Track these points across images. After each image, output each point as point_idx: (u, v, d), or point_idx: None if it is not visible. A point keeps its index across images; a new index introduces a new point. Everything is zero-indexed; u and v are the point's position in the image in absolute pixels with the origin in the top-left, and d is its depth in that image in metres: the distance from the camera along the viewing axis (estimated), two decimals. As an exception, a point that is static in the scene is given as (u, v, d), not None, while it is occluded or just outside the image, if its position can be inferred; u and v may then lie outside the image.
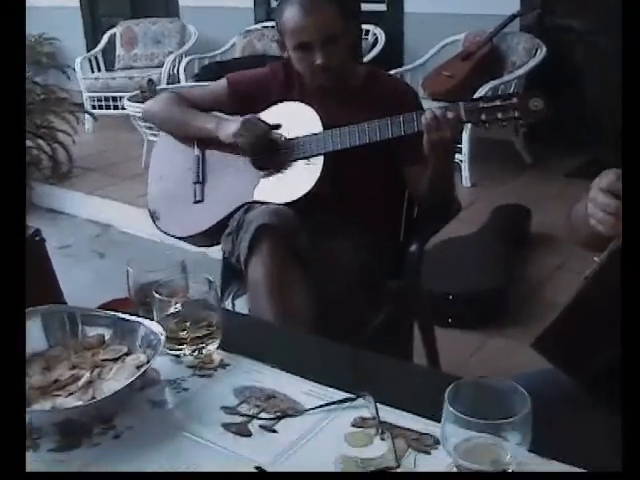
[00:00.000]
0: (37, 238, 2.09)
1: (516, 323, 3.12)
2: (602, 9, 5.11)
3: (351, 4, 3.96)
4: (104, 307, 3.00)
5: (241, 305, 2.21)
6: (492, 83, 4.76)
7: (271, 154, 2.21)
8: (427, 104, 4.79)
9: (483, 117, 2.01)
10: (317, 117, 2.19)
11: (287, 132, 2.23)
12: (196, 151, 2.35)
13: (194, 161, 2.34)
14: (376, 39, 5.97)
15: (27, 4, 7.80)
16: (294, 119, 2.23)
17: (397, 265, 2.25)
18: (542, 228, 4.02)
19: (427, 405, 1.08)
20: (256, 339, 1.42)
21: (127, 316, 1.32)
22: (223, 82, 2.38)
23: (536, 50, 5.09)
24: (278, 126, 2.23)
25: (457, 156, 4.76)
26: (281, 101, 2.27)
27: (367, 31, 5.96)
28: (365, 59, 5.59)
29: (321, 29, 2.15)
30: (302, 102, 2.23)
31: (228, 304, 2.27)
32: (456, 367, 2.81)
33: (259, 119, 2.22)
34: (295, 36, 2.16)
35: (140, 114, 5.04)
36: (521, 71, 4.98)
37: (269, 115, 2.26)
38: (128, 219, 4.41)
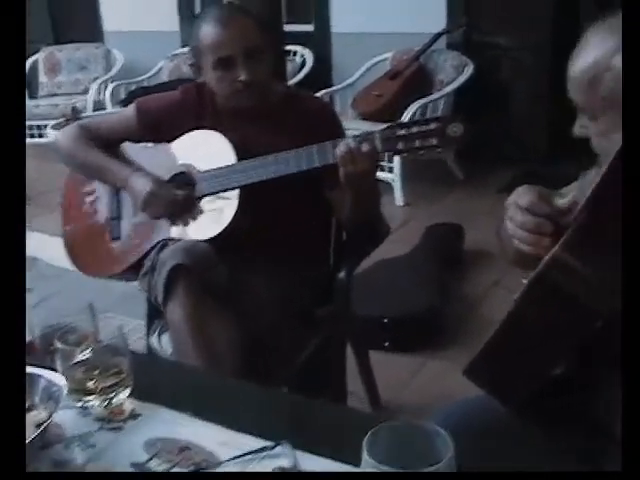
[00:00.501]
0: None
1: (453, 343, 3.08)
2: (526, 26, 5.18)
3: (270, 17, 3.93)
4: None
5: (167, 340, 2.12)
6: (421, 101, 4.77)
7: (182, 200, 2.11)
8: (357, 124, 4.85)
9: (400, 146, 1.89)
10: (230, 147, 2.08)
11: (199, 164, 2.13)
12: (111, 188, 2.25)
13: (108, 196, 2.24)
14: (304, 60, 5.95)
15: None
16: (207, 149, 2.12)
17: (326, 291, 2.18)
18: (476, 245, 4.01)
19: (350, 451, 1.01)
20: (172, 384, 1.34)
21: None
22: (132, 109, 2.24)
23: (463, 67, 5.13)
24: (184, 170, 2.14)
25: (388, 175, 4.75)
26: (196, 127, 2.16)
27: (295, 52, 5.95)
28: (294, 80, 5.58)
29: (242, 41, 2.05)
30: (215, 129, 2.12)
31: (154, 340, 2.18)
32: (395, 392, 2.77)
33: (163, 187, 2.11)
34: (215, 51, 2.05)
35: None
36: (449, 88, 5.01)
37: (180, 145, 2.17)
38: (55, 251, 4.26)
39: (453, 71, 5.14)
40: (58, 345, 1.17)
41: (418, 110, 4.70)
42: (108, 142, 2.24)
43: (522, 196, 1.29)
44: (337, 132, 2.15)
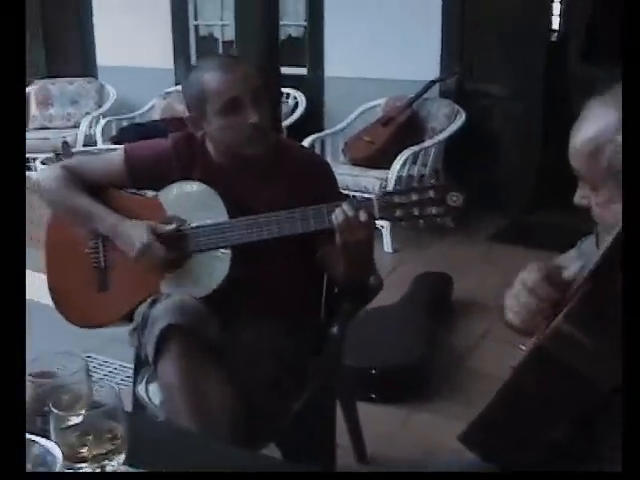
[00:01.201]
0: None
1: (441, 396, 3.06)
2: (518, 75, 5.25)
3: (268, 59, 3.94)
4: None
5: (155, 390, 2.09)
6: (412, 149, 4.79)
7: (172, 248, 2.06)
8: (348, 169, 4.87)
9: (398, 213, 1.87)
10: (222, 202, 2.03)
11: (189, 217, 2.08)
12: (97, 235, 2.16)
13: (94, 245, 2.16)
14: (297, 102, 5.98)
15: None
16: (196, 202, 2.07)
17: (318, 344, 2.16)
18: (465, 295, 4.01)
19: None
20: (166, 448, 1.31)
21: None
22: (120, 155, 2.16)
23: (455, 115, 5.18)
24: (174, 224, 2.07)
25: (377, 222, 4.72)
26: (184, 178, 2.10)
27: (288, 94, 5.98)
28: (286, 122, 5.61)
29: (248, 83, 2.00)
30: (205, 181, 2.07)
31: (142, 389, 2.15)
32: (381, 444, 2.74)
33: (156, 238, 2.03)
34: (221, 95, 1.98)
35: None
36: (441, 137, 5.05)
37: (170, 196, 2.11)
38: (39, 288, 4.22)
39: (445, 119, 5.19)
40: (52, 410, 1.13)
41: (410, 157, 4.72)
42: (93, 186, 2.16)
43: (529, 275, 1.33)
44: (333, 191, 2.14)
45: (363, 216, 1.84)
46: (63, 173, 2.17)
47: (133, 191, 2.22)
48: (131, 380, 2.33)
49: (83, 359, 1.27)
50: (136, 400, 2.19)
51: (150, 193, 2.23)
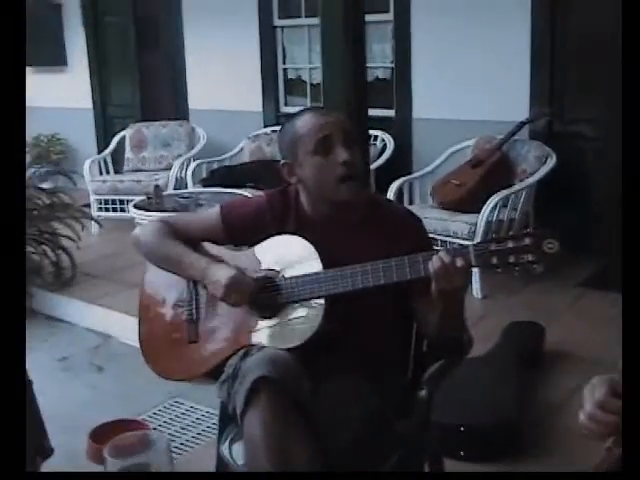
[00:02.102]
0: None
1: (532, 455, 2.95)
2: (610, 114, 5.09)
3: (355, 104, 3.93)
4: (96, 432, 2.91)
5: (238, 450, 2.07)
6: (503, 193, 4.69)
7: (266, 299, 2.08)
8: (436, 213, 4.81)
9: (494, 261, 1.86)
10: (316, 254, 2.06)
11: (284, 269, 2.10)
12: (190, 286, 2.21)
13: (187, 296, 2.21)
14: (384, 145, 5.97)
15: (40, 105, 8.09)
16: (291, 255, 2.10)
17: (405, 406, 2.11)
18: (555, 345, 3.88)
19: None
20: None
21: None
22: (216, 213, 2.25)
23: (546, 158, 5.05)
24: (269, 275, 2.11)
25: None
26: (278, 233, 2.15)
27: (375, 137, 5.98)
28: (374, 165, 5.59)
29: (340, 124, 2.09)
30: (300, 234, 2.11)
31: (225, 449, 2.13)
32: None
33: (246, 277, 2.08)
34: (313, 135, 2.05)
35: (145, 221, 5.01)
36: (532, 180, 4.93)
37: (264, 250, 2.16)
38: (129, 330, 4.28)
39: (536, 161, 5.06)
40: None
41: (499, 202, 4.63)
42: (189, 240, 2.23)
43: (595, 389, 1.34)
44: (426, 244, 2.13)
45: (460, 262, 1.85)
46: (161, 225, 2.27)
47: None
48: (216, 428, 2.33)
49: (166, 439, 1.25)
50: (220, 459, 2.18)
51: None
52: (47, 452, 1.95)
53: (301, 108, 2.31)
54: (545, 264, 1.86)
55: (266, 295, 2.08)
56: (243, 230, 2.20)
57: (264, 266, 2.14)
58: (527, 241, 1.85)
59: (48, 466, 2.08)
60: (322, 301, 2.03)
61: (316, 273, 2.04)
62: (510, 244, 1.86)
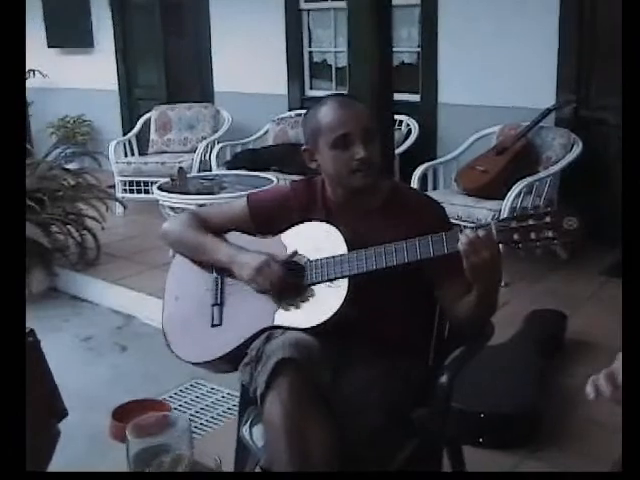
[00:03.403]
0: (31, 339, 1.99)
1: (552, 444, 2.94)
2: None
3: (380, 89, 3.92)
4: (119, 411, 2.95)
5: (259, 432, 2.08)
6: (527, 180, 4.66)
7: (291, 282, 2.11)
8: (460, 200, 4.79)
9: (516, 237, 1.89)
10: (341, 237, 2.09)
11: (309, 254, 2.13)
12: (215, 272, 2.25)
13: (212, 282, 2.24)
14: (409, 130, 5.94)
15: (67, 86, 8.14)
16: (317, 240, 2.14)
17: (425, 393, 2.12)
18: (577, 334, 3.86)
19: None
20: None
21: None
22: (243, 203, 2.30)
23: (572, 145, 5.01)
24: (294, 258, 2.15)
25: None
26: (304, 221, 2.19)
27: (400, 121, 5.95)
28: (399, 149, 5.57)
29: (360, 122, 2.11)
30: (325, 221, 2.15)
31: (245, 431, 2.14)
32: (488, 492, 2.65)
33: (274, 261, 2.12)
34: (333, 130, 2.10)
35: (168, 203, 5.04)
36: (557, 167, 4.89)
37: (290, 236, 2.19)
38: (151, 310, 4.32)
39: (561, 149, 5.02)
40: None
41: (524, 189, 4.60)
42: (217, 230, 2.29)
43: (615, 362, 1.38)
44: (448, 229, 2.12)
45: (482, 233, 1.88)
46: (190, 216, 2.35)
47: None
48: (236, 410, 2.35)
49: (187, 420, 1.26)
50: (239, 441, 2.20)
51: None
52: (61, 413, 1.96)
53: (326, 93, 2.32)
54: (566, 241, 1.89)
55: (291, 277, 2.11)
56: (269, 219, 2.25)
57: (290, 251, 2.17)
58: (548, 219, 1.88)
59: (70, 442, 2.09)
60: (345, 284, 2.05)
61: (341, 255, 2.07)
62: (531, 221, 1.88)
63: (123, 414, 2.88)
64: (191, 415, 3.35)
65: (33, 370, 1.68)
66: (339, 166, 2.12)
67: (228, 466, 2.17)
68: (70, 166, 5.92)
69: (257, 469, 2.07)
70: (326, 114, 2.13)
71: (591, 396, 1.39)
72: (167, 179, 5.38)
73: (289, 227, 2.20)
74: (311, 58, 6.91)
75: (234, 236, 2.28)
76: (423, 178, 5.17)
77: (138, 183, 6.63)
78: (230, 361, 2.10)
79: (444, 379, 2.06)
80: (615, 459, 1.42)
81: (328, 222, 2.14)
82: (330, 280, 2.07)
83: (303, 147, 2.23)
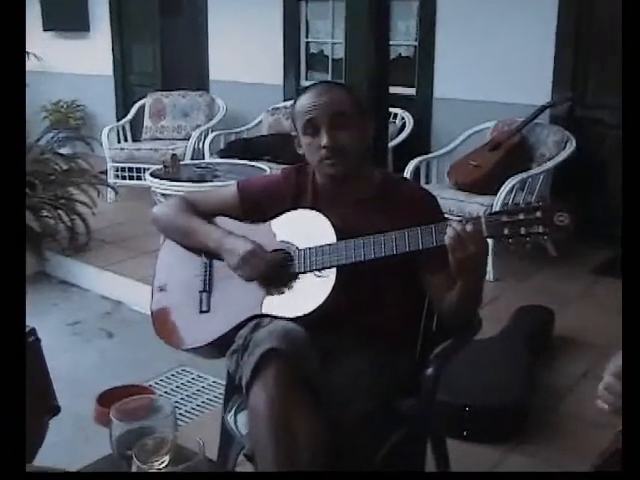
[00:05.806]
0: (32, 338, 2.00)
1: (535, 439, 2.95)
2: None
3: (376, 82, 3.90)
4: (103, 396, 2.94)
5: (243, 420, 2.08)
6: (520, 176, 4.67)
7: (279, 270, 2.10)
8: (452, 194, 4.79)
9: (505, 231, 1.87)
10: (330, 226, 2.08)
11: (298, 242, 2.12)
12: (204, 258, 2.24)
13: (201, 268, 2.23)
14: (404, 123, 5.94)
15: (63, 71, 8.10)
16: (306, 228, 2.13)
17: (412, 384, 2.12)
18: (565, 330, 3.88)
19: None
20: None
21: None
22: (233, 189, 2.30)
23: (565, 143, 5.01)
24: (283, 246, 2.14)
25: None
26: (294, 208, 2.18)
27: (395, 115, 5.94)
28: (393, 142, 5.56)
29: (329, 107, 2.11)
30: (315, 209, 2.14)
31: (230, 417, 2.15)
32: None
33: (262, 249, 2.12)
34: (302, 116, 2.13)
35: (160, 190, 5.02)
36: (550, 164, 4.89)
37: (280, 223, 2.18)
38: (140, 297, 4.32)
39: (555, 146, 5.02)
40: (135, 460, 1.13)
41: (517, 185, 4.60)
42: (206, 215, 2.28)
43: (614, 361, 1.34)
44: (439, 220, 2.12)
45: (470, 227, 1.86)
46: (178, 201, 2.34)
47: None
48: (222, 398, 2.34)
49: (171, 404, 1.26)
50: (224, 428, 2.20)
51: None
52: (54, 411, 1.97)
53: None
54: (556, 237, 1.86)
55: (279, 266, 2.10)
56: (259, 205, 2.24)
57: (279, 239, 2.16)
58: (538, 213, 1.86)
59: (55, 427, 2.10)
60: (333, 273, 2.04)
61: (329, 244, 2.06)
62: (521, 216, 1.86)
63: (108, 399, 2.87)
64: (176, 402, 3.34)
65: (33, 369, 1.70)
66: (309, 153, 2.16)
67: (212, 454, 2.17)
68: (62, 151, 5.88)
69: (241, 456, 2.07)
70: (301, 101, 2.16)
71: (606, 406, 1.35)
72: (160, 166, 5.36)
73: (279, 214, 2.19)
74: (308, 49, 6.90)
75: (223, 221, 2.27)
76: (416, 172, 5.17)
77: (130, 169, 6.61)
78: (218, 347, 2.09)
79: (431, 370, 2.06)
80: (602, 451, 1.41)
81: (318, 210, 2.13)
82: (319, 269, 2.06)
83: (293, 132, 2.25)
